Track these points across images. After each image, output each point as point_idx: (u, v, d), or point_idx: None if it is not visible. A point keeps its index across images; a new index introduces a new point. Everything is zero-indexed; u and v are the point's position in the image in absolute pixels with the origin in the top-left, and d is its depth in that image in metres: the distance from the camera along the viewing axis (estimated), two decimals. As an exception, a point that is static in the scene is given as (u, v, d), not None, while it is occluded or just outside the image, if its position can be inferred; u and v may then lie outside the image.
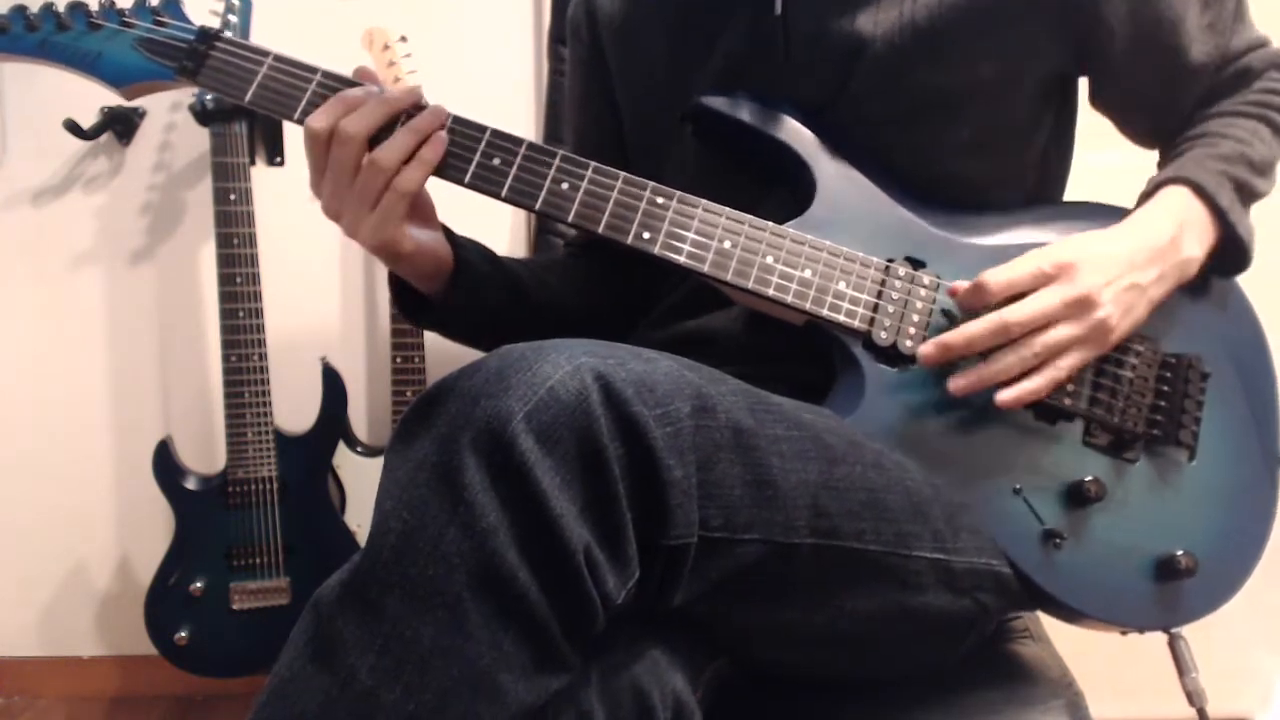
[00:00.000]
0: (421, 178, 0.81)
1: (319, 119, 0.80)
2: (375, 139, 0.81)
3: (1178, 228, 0.83)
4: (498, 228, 1.74)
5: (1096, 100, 0.97)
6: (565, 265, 1.08)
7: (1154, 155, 0.99)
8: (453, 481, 0.57)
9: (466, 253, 0.91)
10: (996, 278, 0.78)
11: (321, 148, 0.81)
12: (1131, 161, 1.02)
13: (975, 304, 0.80)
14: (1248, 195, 0.87)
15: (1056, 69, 0.90)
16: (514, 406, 0.58)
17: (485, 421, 0.58)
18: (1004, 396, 0.78)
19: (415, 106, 0.82)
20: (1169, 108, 0.94)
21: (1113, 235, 0.82)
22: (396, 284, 0.94)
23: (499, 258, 0.97)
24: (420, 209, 0.87)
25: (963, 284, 0.81)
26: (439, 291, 0.92)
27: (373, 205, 0.81)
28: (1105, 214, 0.90)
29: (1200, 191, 0.85)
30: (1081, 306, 0.77)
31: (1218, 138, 0.89)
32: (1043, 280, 0.78)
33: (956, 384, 0.79)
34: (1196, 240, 0.84)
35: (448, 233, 0.91)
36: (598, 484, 0.60)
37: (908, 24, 0.86)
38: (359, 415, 1.79)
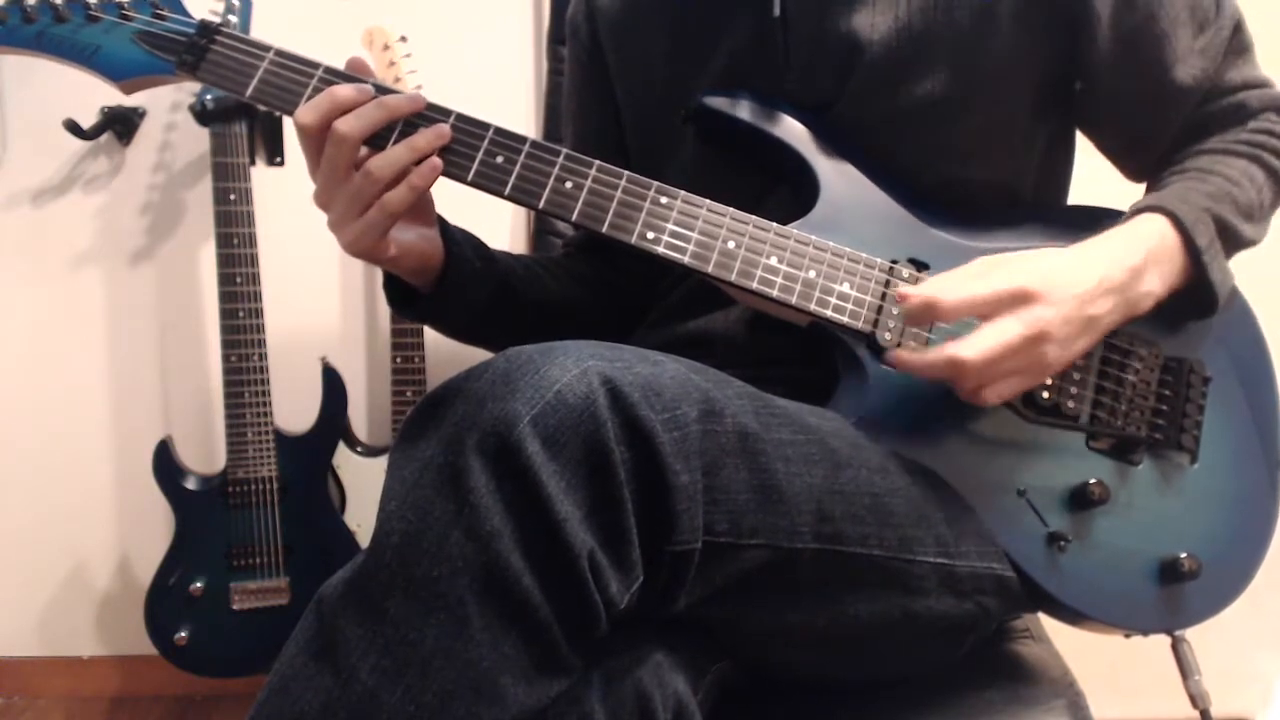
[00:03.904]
0: (410, 200, 0.80)
1: (307, 113, 0.79)
2: (374, 139, 0.80)
3: (1143, 260, 0.79)
4: (498, 226, 1.74)
5: (1082, 118, 0.95)
6: (562, 264, 1.08)
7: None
8: (458, 484, 0.57)
9: (458, 249, 0.91)
10: (951, 301, 0.74)
11: (312, 142, 0.80)
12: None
13: (922, 323, 0.78)
14: (1230, 238, 0.84)
15: (1052, 74, 0.90)
16: (520, 410, 0.58)
17: (491, 424, 0.58)
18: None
19: (417, 114, 0.81)
20: (1151, 129, 0.92)
21: (1075, 259, 0.78)
22: (386, 274, 0.94)
23: (493, 254, 0.96)
24: (417, 206, 0.86)
25: (911, 291, 0.75)
26: (425, 286, 0.91)
27: (360, 214, 0.81)
28: (1107, 219, 0.90)
29: (1179, 225, 0.81)
30: (1036, 341, 0.74)
31: (1206, 173, 0.86)
32: (998, 306, 0.74)
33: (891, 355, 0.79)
34: (1160, 276, 0.80)
35: (444, 226, 0.90)
36: (603, 488, 0.59)
37: (903, 27, 0.86)
38: (359, 415, 1.79)
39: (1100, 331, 0.79)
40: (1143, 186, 0.96)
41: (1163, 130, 0.92)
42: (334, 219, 0.83)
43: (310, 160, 0.82)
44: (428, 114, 0.82)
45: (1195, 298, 0.84)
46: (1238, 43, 0.90)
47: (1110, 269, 0.78)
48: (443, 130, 0.81)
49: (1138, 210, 0.84)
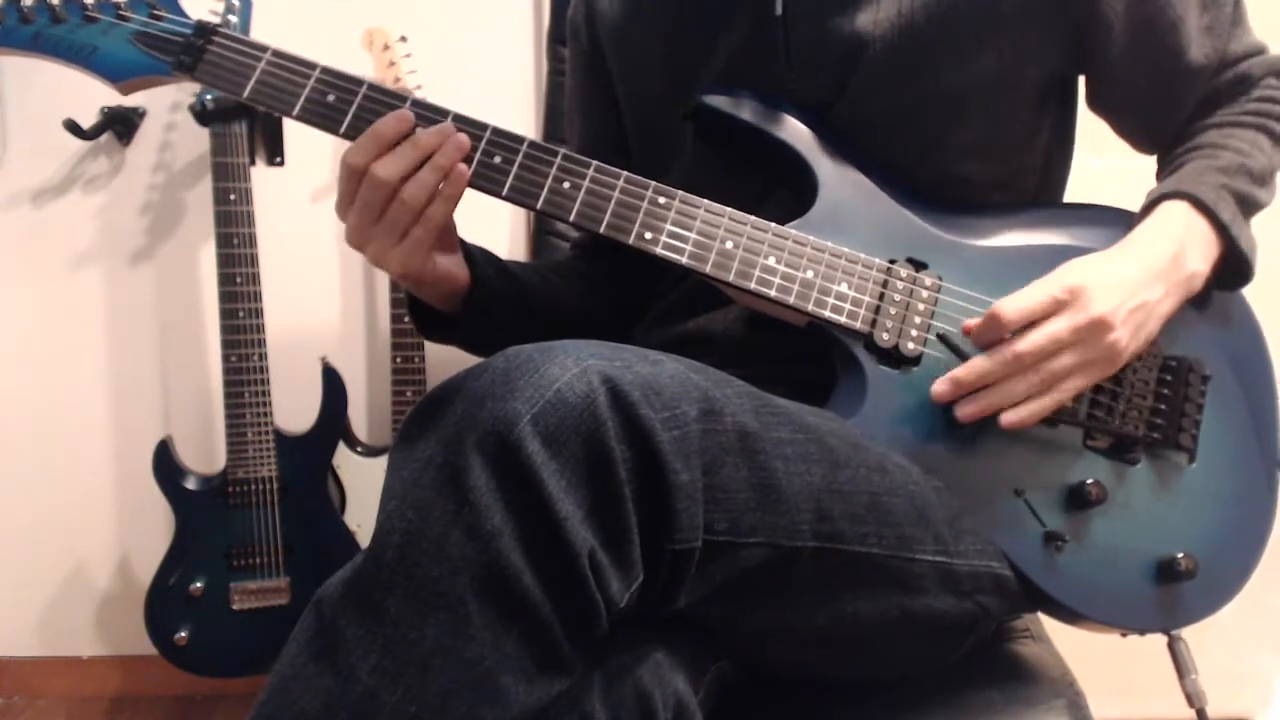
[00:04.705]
0: (448, 211, 0.81)
1: (357, 155, 0.80)
2: None
3: (1179, 245, 0.83)
4: (497, 226, 1.74)
5: (1095, 102, 0.97)
6: (574, 269, 1.08)
7: (1153, 159, 0.99)
8: (458, 483, 0.57)
9: (482, 269, 0.91)
10: (1011, 310, 0.78)
11: (355, 183, 0.81)
12: (1132, 164, 1.02)
13: (992, 338, 0.79)
14: (1249, 207, 0.87)
15: (1056, 69, 0.91)
16: (520, 409, 0.58)
17: (491, 423, 0.58)
18: (1009, 418, 0.79)
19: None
20: (1167, 110, 0.94)
21: (1117, 255, 0.82)
22: (411, 301, 0.94)
23: (511, 269, 0.97)
24: (442, 232, 0.87)
25: (975, 322, 0.80)
26: (455, 309, 0.92)
27: (400, 238, 0.81)
28: (1105, 215, 0.91)
29: (1201, 206, 0.85)
30: (1093, 331, 0.77)
31: (1217, 149, 0.89)
32: (1055, 308, 0.78)
33: (964, 412, 0.79)
34: (1200, 255, 0.84)
35: (464, 248, 0.91)
36: (604, 487, 0.60)
37: (906, 23, 0.86)
38: (359, 415, 1.79)
39: (1160, 317, 0.82)
40: (1145, 164, 0.99)
41: (1178, 110, 0.94)
42: (374, 252, 0.83)
43: (344, 198, 0.82)
44: (427, 116, 0.82)
45: (1230, 269, 0.87)
46: (1237, 13, 0.92)
47: (1152, 258, 0.82)
48: (462, 142, 0.81)
49: (1159, 198, 0.86)
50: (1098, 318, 0.77)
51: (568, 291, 1.03)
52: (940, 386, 0.80)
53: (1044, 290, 0.79)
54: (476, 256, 0.92)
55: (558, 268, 1.07)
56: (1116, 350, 0.79)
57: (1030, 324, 0.78)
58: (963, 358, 0.81)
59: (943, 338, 0.82)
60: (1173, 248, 0.82)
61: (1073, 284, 0.78)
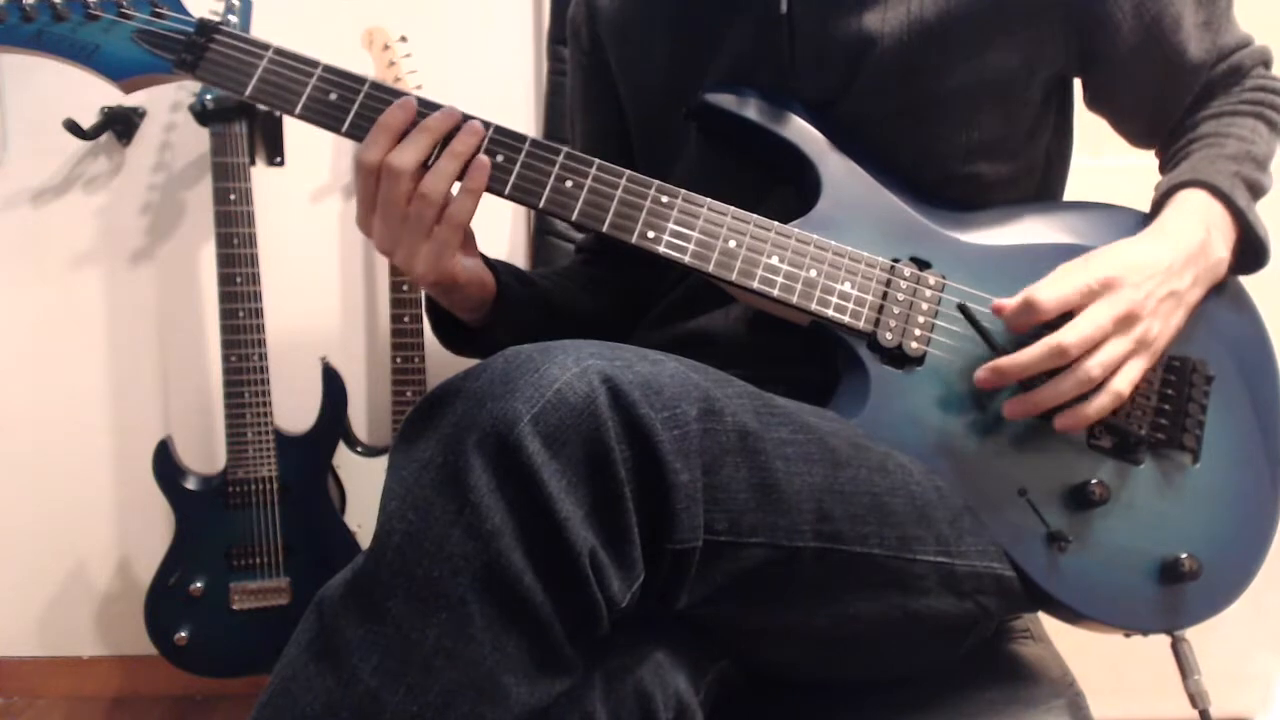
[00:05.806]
0: (472, 206, 0.81)
1: (371, 152, 0.79)
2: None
3: (1205, 231, 0.83)
4: (498, 226, 1.74)
5: (1095, 102, 0.97)
6: (582, 273, 1.08)
7: (1150, 157, 0.99)
8: (458, 483, 0.57)
9: (505, 278, 0.91)
10: (1048, 296, 0.77)
11: (373, 181, 0.80)
12: (1129, 163, 1.02)
13: (1026, 323, 0.78)
14: (1257, 193, 0.88)
15: (1060, 69, 0.91)
16: (521, 409, 0.58)
17: (492, 423, 0.58)
18: (1064, 421, 0.78)
19: (455, 127, 0.81)
20: (1167, 106, 0.95)
21: (1146, 243, 0.82)
22: (435, 315, 0.94)
23: (529, 277, 0.97)
24: (465, 233, 0.86)
25: (1007, 301, 0.79)
26: (480, 319, 0.92)
27: (426, 237, 0.80)
28: (1109, 212, 0.91)
29: (1218, 193, 0.85)
30: (1130, 321, 0.77)
31: (1221, 138, 0.90)
32: (1089, 297, 0.77)
33: (1012, 409, 0.79)
34: (1223, 241, 0.85)
35: (484, 258, 0.91)
36: (604, 487, 0.60)
37: (916, 22, 0.86)
38: (359, 415, 1.79)
39: (1189, 305, 0.83)
40: (1142, 163, 1.00)
41: (1178, 105, 0.95)
42: (404, 255, 0.82)
43: (365, 203, 0.81)
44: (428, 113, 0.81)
45: (1247, 254, 0.88)
46: (1224, 6, 0.93)
47: (1182, 244, 0.82)
48: (476, 127, 0.81)
49: (1175, 187, 0.87)
50: (1130, 308, 0.77)
51: (582, 295, 1.04)
52: (982, 374, 0.79)
53: (1078, 279, 0.78)
54: (497, 266, 0.92)
55: (567, 272, 1.07)
56: (1149, 339, 0.79)
57: (1066, 314, 0.77)
58: (981, 332, 0.80)
59: (963, 308, 0.81)
60: (1201, 235, 0.83)
61: (1105, 273, 0.78)
